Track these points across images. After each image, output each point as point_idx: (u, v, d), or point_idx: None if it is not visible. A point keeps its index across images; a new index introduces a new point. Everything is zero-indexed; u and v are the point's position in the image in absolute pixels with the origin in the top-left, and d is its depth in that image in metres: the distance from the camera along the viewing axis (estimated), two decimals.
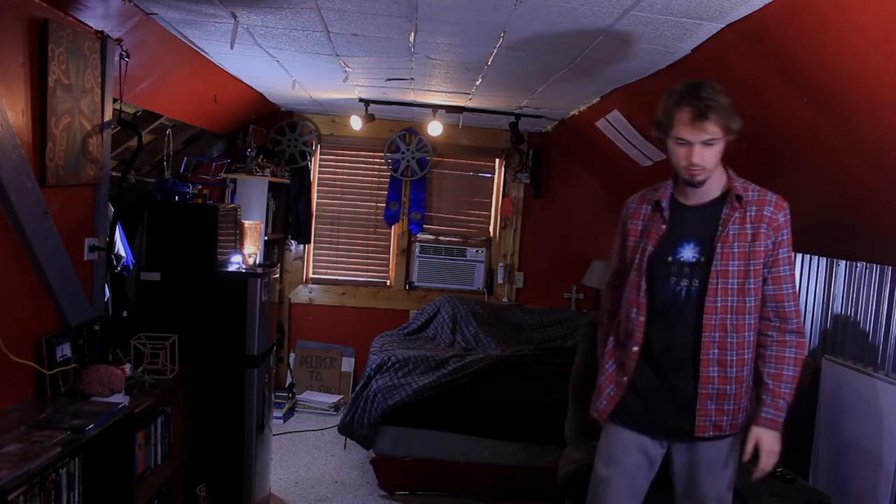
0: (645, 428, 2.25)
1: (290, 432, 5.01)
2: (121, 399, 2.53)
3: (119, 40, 2.82)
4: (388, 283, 6.00)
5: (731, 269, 2.10)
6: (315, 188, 5.92)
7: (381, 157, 5.89)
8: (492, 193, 6.04)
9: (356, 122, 5.10)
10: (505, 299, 5.97)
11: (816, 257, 3.45)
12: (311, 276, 6.00)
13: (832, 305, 3.29)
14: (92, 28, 2.67)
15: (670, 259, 2.16)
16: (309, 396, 5.57)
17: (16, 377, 2.33)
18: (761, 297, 2.16)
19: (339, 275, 6.01)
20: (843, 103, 2.30)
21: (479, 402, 4.08)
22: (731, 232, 2.12)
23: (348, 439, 4.36)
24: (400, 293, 5.96)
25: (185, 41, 3.24)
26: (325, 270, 6.02)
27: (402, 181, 5.89)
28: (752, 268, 2.11)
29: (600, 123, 4.29)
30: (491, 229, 6.05)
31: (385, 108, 4.98)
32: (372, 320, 5.78)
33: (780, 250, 2.13)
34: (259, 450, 3.58)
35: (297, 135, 5.73)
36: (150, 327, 3.10)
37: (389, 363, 4.32)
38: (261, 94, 4.85)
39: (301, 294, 5.91)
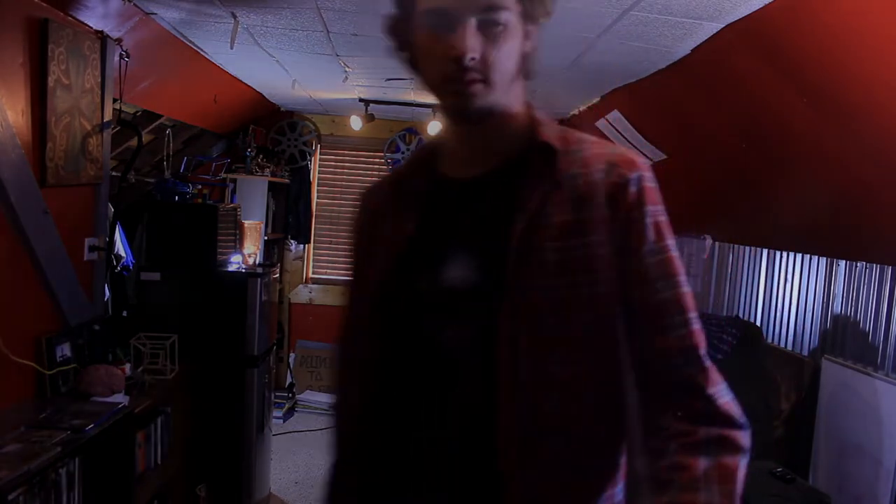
0: None
1: (290, 432, 5.01)
2: (121, 399, 2.52)
3: (119, 40, 2.82)
4: None
5: (545, 298, 0.97)
6: (315, 188, 5.92)
7: (381, 157, 5.89)
8: None
9: (356, 122, 5.09)
10: None
11: (816, 257, 3.44)
12: (311, 276, 6.00)
13: (832, 305, 3.29)
14: (92, 28, 2.67)
15: (426, 287, 1.03)
16: (309, 396, 5.57)
17: (16, 377, 2.33)
18: (629, 351, 1.01)
19: (339, 275, 6.01)
20: (843, 103, 2.30)
21: None
22: (542, 222, 0.99)
23: None
24: None
25: (185, 41, 3.24)
26: (325, 270, 6.02)
27: None
28: (587, 291, 0.98)
29: (600, 124, 4.29)
30: None
31: (385, 108, 4.98)
32: None
33: (645, 246, 0.99)
34: (259, 450, 3.57)
35: (297, 135, 5.73)
36: (150, 327, 3.09)
37: None
38: (261, 94, 4.84)
39: (301, 294, 5.90)
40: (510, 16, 0.97)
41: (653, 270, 0.99)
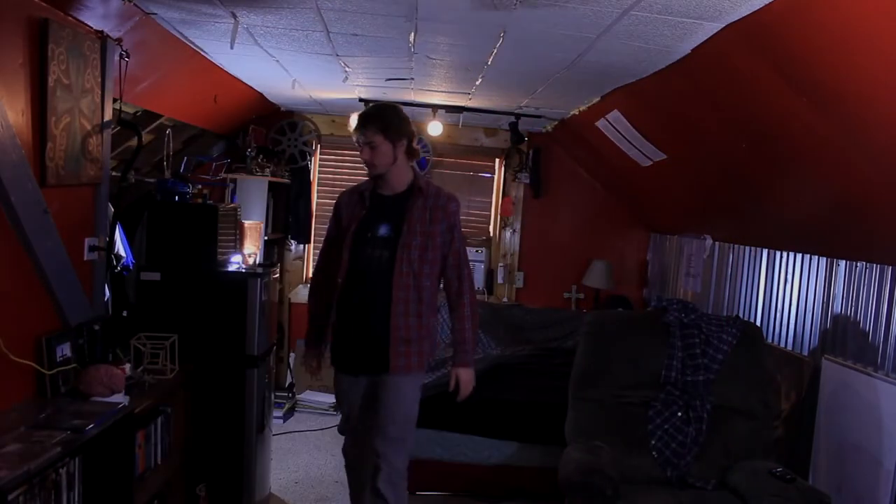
0: (354, 370, 2.84)
1: (290, 432, 5.01)
2: (121, 399, 2.52)
3: (119, 40, 2.82)
4: None
5: (413, 243, 2.72)
6: (315, 188, 5.92)
7: None
8: (492, 193, 6.04)
9: (356, 122, 5.08)
10: (505, 299, 5.97)
11: (816, 257, 3.45)
12: (311, 275, 5.99)
13: (832, 305, 3.29)
14: (92, 28, 2.67)
15: (369, 235, 2.75)
16: (309, 396, 5.57)
17: (16, 377, 2.33)
18: (442, 266, 2.80)
19: None
20: (843, 103, 2.30)
21: (479, 402, 4.06)
22: (414, 215, 2.74)
23: None
24: None
25: (185, 41, 3.24)
26: None
27: None
28: (430, 243, 2.74)
29: (600, 123, 4.30)
30: (491, 229, 6.05)
31: None
32: None
33: (455, 231, 2.80)
34: (259, 450, 3.57)
35: (297, 135, 5.72)
36: (150, 327, 3.09)
37: None
38: (261, 94, 4.84)
39: (301, 294, 5.90)
40: (376, 140, 2.73)
41: (459, 240, 2.84)
